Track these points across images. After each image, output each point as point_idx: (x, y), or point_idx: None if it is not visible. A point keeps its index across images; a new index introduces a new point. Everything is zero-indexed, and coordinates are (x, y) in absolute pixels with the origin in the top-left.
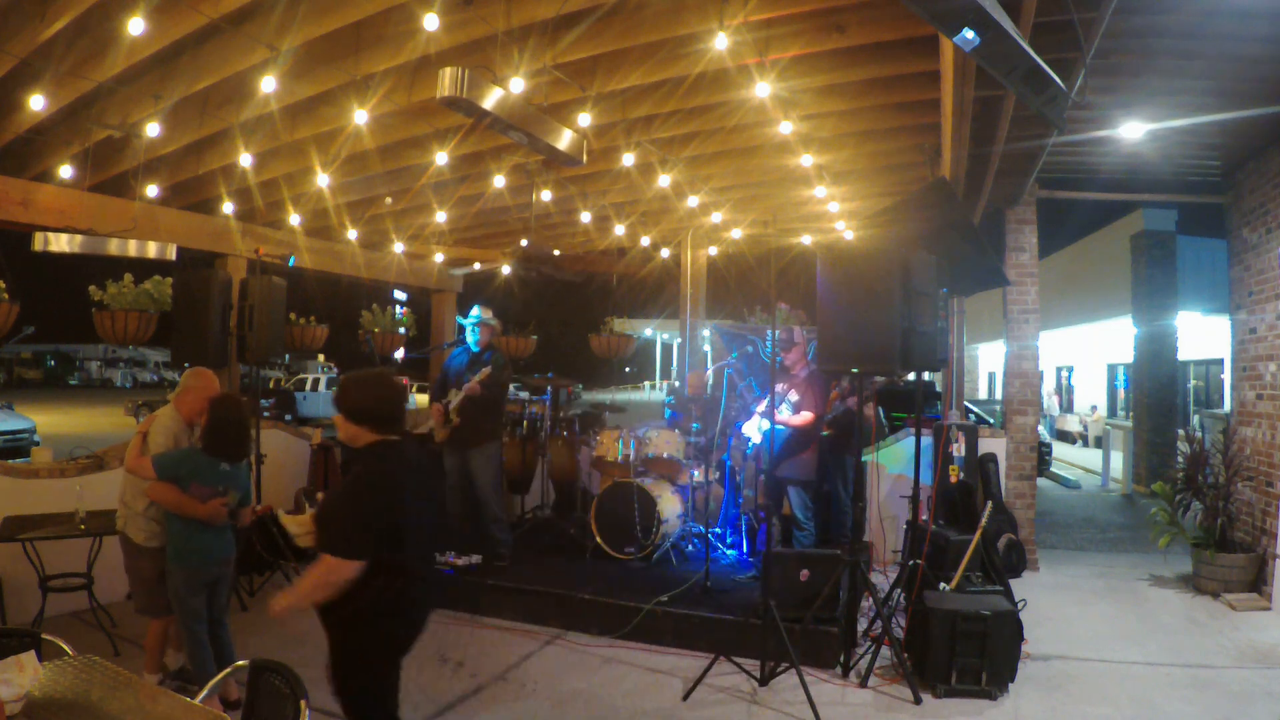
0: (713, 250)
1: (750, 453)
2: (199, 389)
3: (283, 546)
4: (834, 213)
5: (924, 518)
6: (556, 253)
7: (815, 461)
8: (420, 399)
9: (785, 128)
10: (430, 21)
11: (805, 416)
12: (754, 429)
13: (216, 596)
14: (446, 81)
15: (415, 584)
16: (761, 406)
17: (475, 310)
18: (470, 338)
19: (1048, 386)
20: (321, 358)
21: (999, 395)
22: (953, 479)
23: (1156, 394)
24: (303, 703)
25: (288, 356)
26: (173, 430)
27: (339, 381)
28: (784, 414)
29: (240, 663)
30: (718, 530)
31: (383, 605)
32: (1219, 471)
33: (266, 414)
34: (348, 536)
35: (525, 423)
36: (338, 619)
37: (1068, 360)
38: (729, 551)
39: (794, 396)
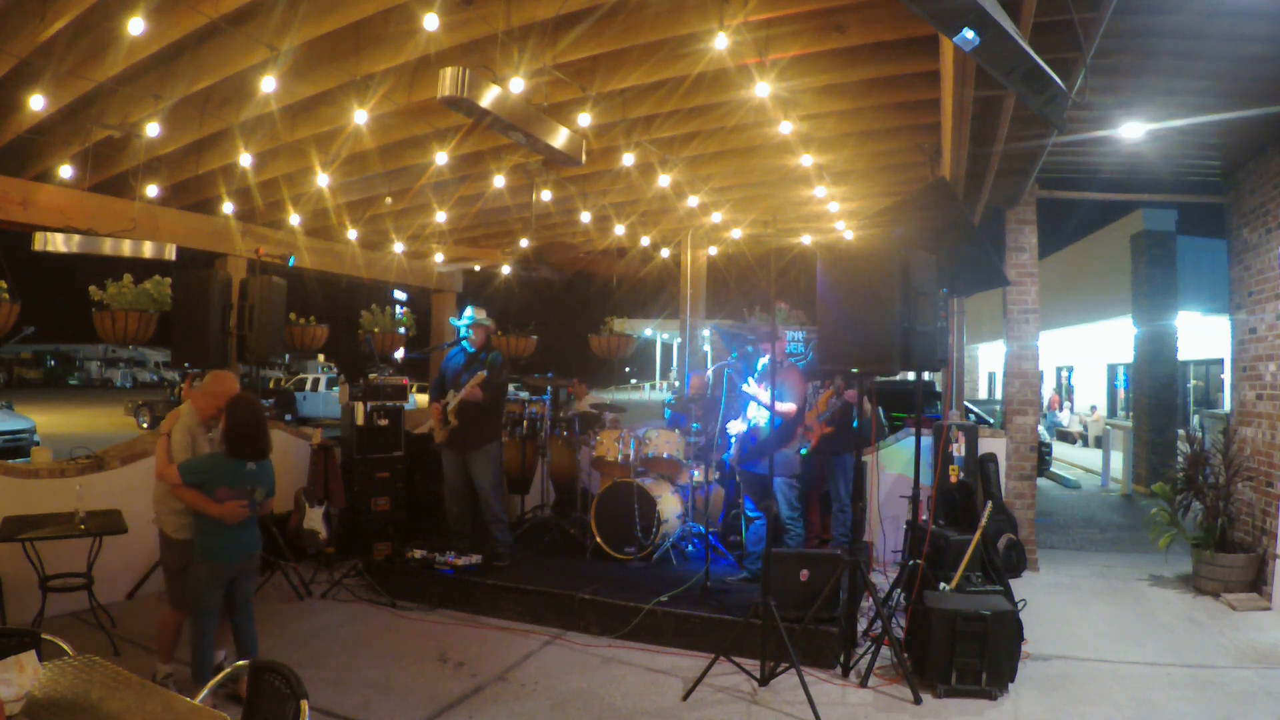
0: (713, 250)
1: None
2: (217, 393)
3: (282, 546)
4: (834, 213)
5: (924, 518)
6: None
7: (797, 457)
8: (420, 399)
9: (785, 128)
10: (430, 21)
11: (789, 406)
12: (738, 426)
13: (238, 590)
14: (446, 81)
15: None
16: (762, 395)
17: (468, 311)
18: (465, 338)
19: (1048, 390)
20: (321, 358)
21: (999, 395)
22: (953, 479)
23: (1156, 394)
24: (303, 703)
25: (288, 356)
26: (189, 426)
27: None
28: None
29: (240, 663)
30: (718, 530)
31: None
32: (1219, 471)
33: (266, 414)
34: None
35: (525, 423)
36: None
37: (1068, 360)
38: (729, 552)
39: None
